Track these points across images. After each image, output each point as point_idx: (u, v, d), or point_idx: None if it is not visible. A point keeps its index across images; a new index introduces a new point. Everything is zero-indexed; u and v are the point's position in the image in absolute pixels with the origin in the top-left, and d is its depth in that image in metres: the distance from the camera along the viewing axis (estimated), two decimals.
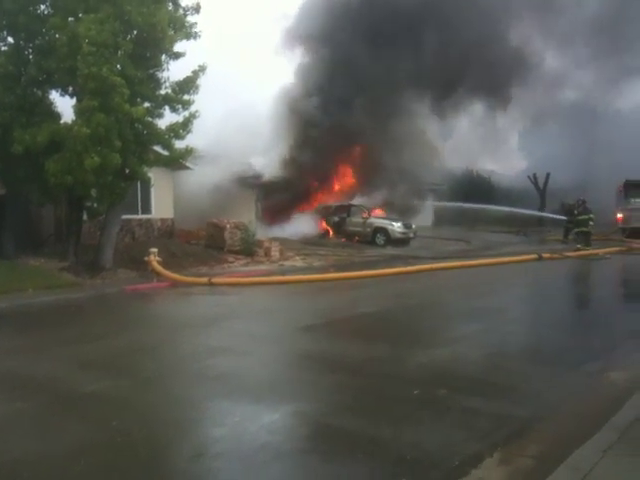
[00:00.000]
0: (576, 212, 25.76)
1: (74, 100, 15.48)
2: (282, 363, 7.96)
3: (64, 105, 16.24)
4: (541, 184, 43.04)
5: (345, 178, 30.59)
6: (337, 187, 30.35)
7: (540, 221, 38.09)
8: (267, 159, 27.95)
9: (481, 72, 28.84)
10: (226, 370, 7.29)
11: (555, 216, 32.76)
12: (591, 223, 24.51)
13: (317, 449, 5.03)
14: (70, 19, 14.89)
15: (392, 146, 28.31)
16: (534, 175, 43.08)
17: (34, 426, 5.48)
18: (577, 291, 15.86)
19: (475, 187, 38.99)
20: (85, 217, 17.46)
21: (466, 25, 27.44)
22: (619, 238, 29.05)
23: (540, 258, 20.03)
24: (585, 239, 24.39)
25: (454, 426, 5.32)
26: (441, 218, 37.14)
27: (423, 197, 32.72)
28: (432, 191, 36.60)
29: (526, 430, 5.21)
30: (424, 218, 34.05)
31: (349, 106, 27.33)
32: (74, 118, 14.88)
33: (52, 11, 15.35)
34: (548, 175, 42.17)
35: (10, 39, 15.82)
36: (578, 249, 23.22)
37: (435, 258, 21.06)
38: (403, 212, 28.71)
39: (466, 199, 34.54)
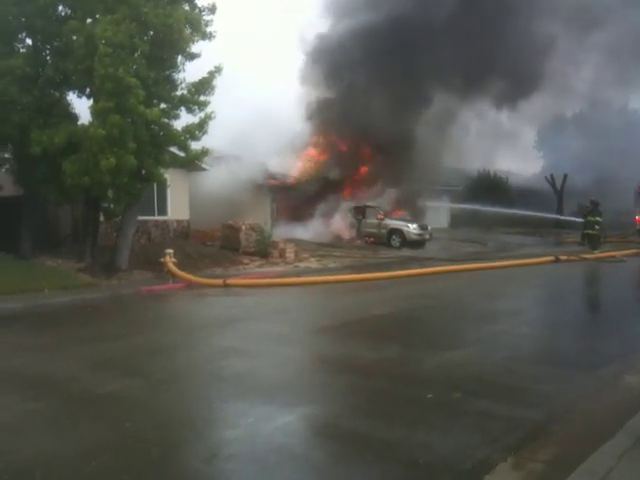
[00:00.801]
0: (585, 213, 25.57)
1: (91, 101, 15.58)
2: (296, 364, 7.94)
3: (81, 106, 16.38)
4: (559, 185, 42.75)
5: (362, 178, 30.53)
6: (353, 188, 30.30)
7: (557, 223, 37.78)
8: (284, 160, 28.04)
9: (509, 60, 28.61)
10: (240, 371, 7.29)
11: (570, 218, 32.48)
12: (597, 227, 24.23)
13: (330, 451, 5.01)
14: (88, 21, 15.01)
15: (411, 144, 28.31)
16: (551, 176, 42.78)
17: (47, 426, 5.51)
18: (593, 293, 15.72)
19: (491, 188, 38.79)
20: (102, 218, 17.57)
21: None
22: (637, 240, 28.74)
23: (557, 260, 19.89)
24: (592, 241, 24.12)
25: (468, 429, 5.29)
26: (457, 219, 37.02)
27: (437, 198, 32.70)
28: (447, 192, 36.55)
29: (540, 434, 5.16)
30: (440, 220, 33.99)
31: (368, 102, 27.29)
32: (91, 119, 14.99)
33: (70, 12, 15.49)
34: (566, 176, 41.84)
35: (28, 41, 15.97)
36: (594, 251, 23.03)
37: (451, 260, 20.98)
38: (417, 213, 28.65)
39: (482, 200, 34.34)
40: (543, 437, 5.11)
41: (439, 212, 34.47)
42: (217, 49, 17.40)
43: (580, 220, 27.74)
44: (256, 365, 7.62)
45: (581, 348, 8.57)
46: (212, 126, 16.24)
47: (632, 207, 31.65)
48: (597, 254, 22.36)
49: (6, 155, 16.83)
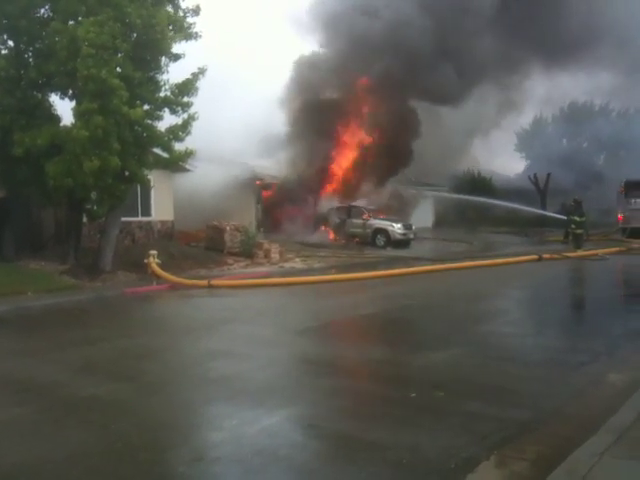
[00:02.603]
0: (569, 212, 25.82)
1: (74, 103, 15.50)
2: (281, 366, 7.97)
3: (64, 108, 16.28)
4: (542, 185, 43.07)
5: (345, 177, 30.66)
6: (334, 187, 30.40)
7: (542, 222, 38.09)
8: (268, 160, 28.06)
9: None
10: (225, 373, 7.30)
11: (557, 215, 32.75)
12: (573, 225, 24.43)
13: (315, 453, 5.04)
14: (70, 22, 14.92)
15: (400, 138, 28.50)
16: (534, 175, 43.09)
17: (33, 430, 5.49)
18: (576, 292, 15.87)
19: (477, 188, 39.01)
20: (85, 220, 17.47)
21: None
22: (619, 238, 29.06)
23: (540, 259, 20.06)
24: (575, 240, 24.34)
25: (452, 429, 5.33)
26: (442, 219, 37.18)
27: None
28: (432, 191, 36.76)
29: (524, 433, 5.22)
30: (425, 219, 34.12)
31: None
32: (74, 121, 14.90)
33: (52, 14, 15.39)
34: (549, 175, 42.18)
35: (10, 42, 15.85)
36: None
37: (436, 259, 21.08)
38: (404, 207, 28.88)
39: (467, 201, 34.62)
40: (528, 436, 5.17)
41: (424, 211, 34.61)
42: (206, 49, 17.39)
43: (564, 217, 28.02)
44: (242, 367, 7.62)
45: (566, 347, 8.66)
46: (196, 126, 16.23)
47: (615, 206, 32.00)
48: (580, 252, 22.57)
49: None
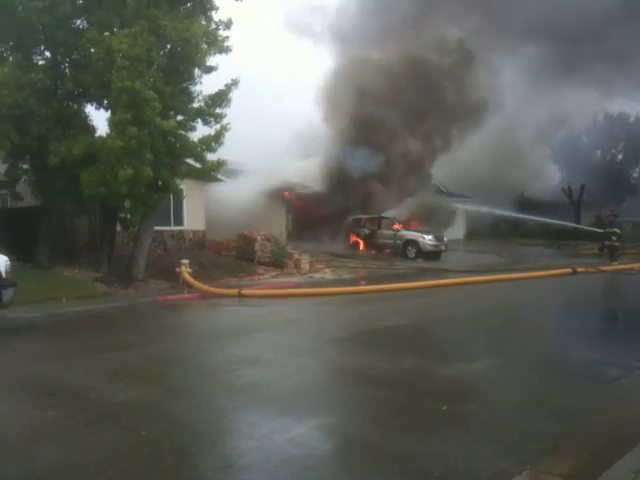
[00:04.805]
0: (604, 225, 25.42)
1: (108, 113, 15.76)
2: (310, 375, 7.93)
3: (99, 118, 16.59)
4: (576, 197, 42.43)
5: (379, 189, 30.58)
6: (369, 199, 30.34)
7: (575, 234, 37.45)
8: (300, 171, 28.14)
9: None
10: (255, 381, 7.29)
11: (593, 229, 32.15)
12: (614, 238, 23.99)
13: (343, 463, 4.99)
14: (105, 33, 15.21)
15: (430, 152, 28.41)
16: (568, 187, 42.46)
17: (63, 434, 5.53)
18: (611, 305, 15.52)
19: (508, 199, 38.56)
20: (119, 228, 17.72)
21: None
22: None
23: (575, 272, 19.71)
24: (611, 253, 23.89)
25: (483, 442, 5.24)
26: (473, 231, 36.83)
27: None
28: (462, 204, 36.42)
29: (557, 447, 5.10)
30: (456, 231, 33.87)
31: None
32: (108, 131, 15.15)
33: (88, 26, 15.71)
34: (583, 187, 41.51)
35: (47, 53, 16.22)
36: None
37: (467, 271, 20.87)
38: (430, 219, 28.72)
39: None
40: (561, 450, 5.04)
41: (455, 223, 34.34)
42: (238, 60, 17.56)
43: (600, 230, 27.49)
44: (271, 375, 7.61)
45: (600, 360, 8.47)
46: (228, 137, 16.38)
47: None
48: (616, 266, 22.14)
49: (25, 166, 17.05)
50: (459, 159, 31.46)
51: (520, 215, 34.31)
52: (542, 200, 40.09)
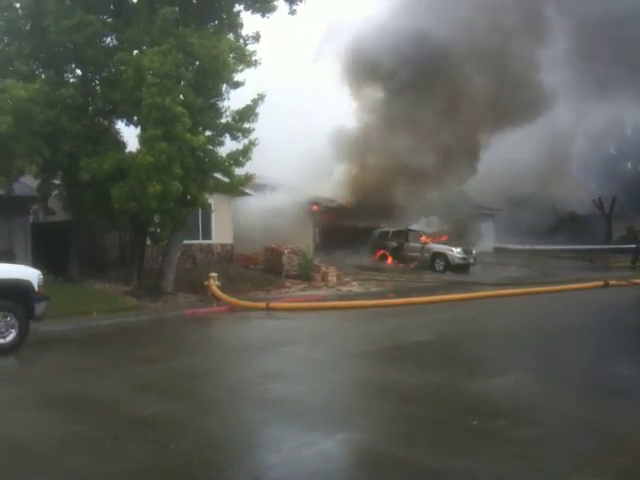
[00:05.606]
0: (636, 237, 25.02)
1: (138, 129, 16.00)
2: (337, 389, 7.91)
3: (129, 134, 16.84)
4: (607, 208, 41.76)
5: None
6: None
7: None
8: (327, 185, 28.18)
9: None
10: (282, 395, 7.30)
11: (621, 246, 31.56)
12: None
13: (371, 477, 4.96)
14: (135, 52, 15.47)
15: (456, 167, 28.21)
16: (599, 199, 41.83)
17: (93, 447, 5.59)
18: None
19: (537, 212, 38.10)
20: (148, 242, 17.91)
21: None
22: None
23: (607, 285, 19.39)
24: None
25: (513, 458, 5.16)
26: (503, 243, 36.40)
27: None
28: (491, 216, 36.10)
29: (589, 464, 5.00)
30: (485, 243, 33.53)
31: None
32: (139, 147, 15.36)
33: (118, 44, 16.00)
34: (614, 199, 40.87)
35: (78, 71, 16.55)
36: None
37: (496, 284, 20.65)
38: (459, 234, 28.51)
39: (527, 225, 33.73)
40: (592, 467, 4.95)
41: (485, 235, 34.03)
42: (264, 75, 17.71)
43: (632, 246, 27.01)
44: (298, 389, 7.61)
45: (630, 375, 8.30)
46: (256, 152, 16.48)
47: None
48: None
49: (56, 181, 17.37)
50: (492, 169, 31.07)
51: (555, 247, 33.94)
52: (575, 212, 39.48)
